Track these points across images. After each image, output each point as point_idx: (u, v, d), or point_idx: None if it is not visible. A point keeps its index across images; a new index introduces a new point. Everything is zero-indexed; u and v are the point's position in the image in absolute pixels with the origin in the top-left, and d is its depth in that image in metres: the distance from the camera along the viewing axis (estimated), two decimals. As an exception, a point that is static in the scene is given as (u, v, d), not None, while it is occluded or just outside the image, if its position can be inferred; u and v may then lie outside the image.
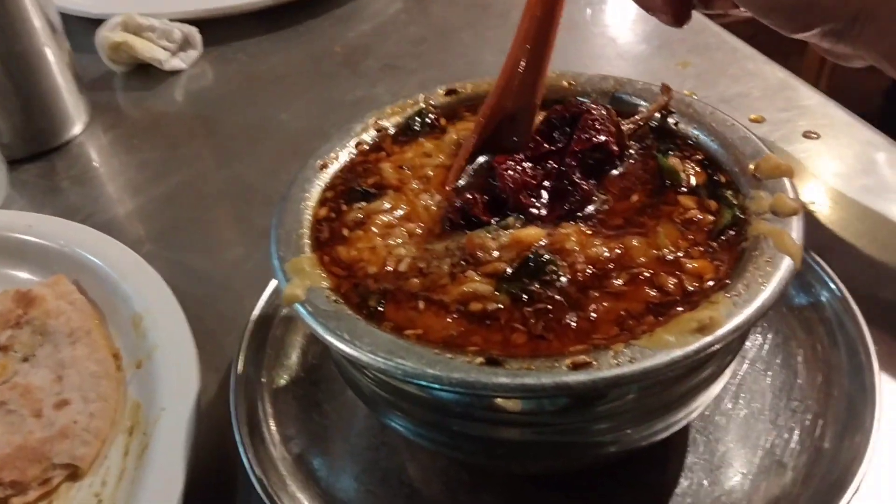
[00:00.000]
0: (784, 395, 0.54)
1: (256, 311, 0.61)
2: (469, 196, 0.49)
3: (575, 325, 0.41)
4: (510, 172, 0.49)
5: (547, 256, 0.44)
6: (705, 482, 0.50)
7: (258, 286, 0.65)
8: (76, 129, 0.94)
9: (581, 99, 0.53)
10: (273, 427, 0.54)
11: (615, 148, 0.51)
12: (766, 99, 0.87)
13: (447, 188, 0.52)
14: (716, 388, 0.46)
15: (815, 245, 0.64)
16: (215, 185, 0.86)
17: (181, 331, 0.59)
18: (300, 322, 0.62)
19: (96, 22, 1.04)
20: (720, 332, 0.38)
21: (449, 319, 0.43)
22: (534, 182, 0.49)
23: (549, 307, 0.42)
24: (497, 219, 0.48)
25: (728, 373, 0.46)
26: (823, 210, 0.71)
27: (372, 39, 1.10)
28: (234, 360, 0.57)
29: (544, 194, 0.49)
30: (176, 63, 1.04)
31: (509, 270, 0.44)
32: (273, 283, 0.63)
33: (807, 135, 0.81)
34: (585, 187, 0.48)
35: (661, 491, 0.50)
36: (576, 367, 0.38)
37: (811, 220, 0.69)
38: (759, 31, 0.98)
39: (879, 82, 1.91)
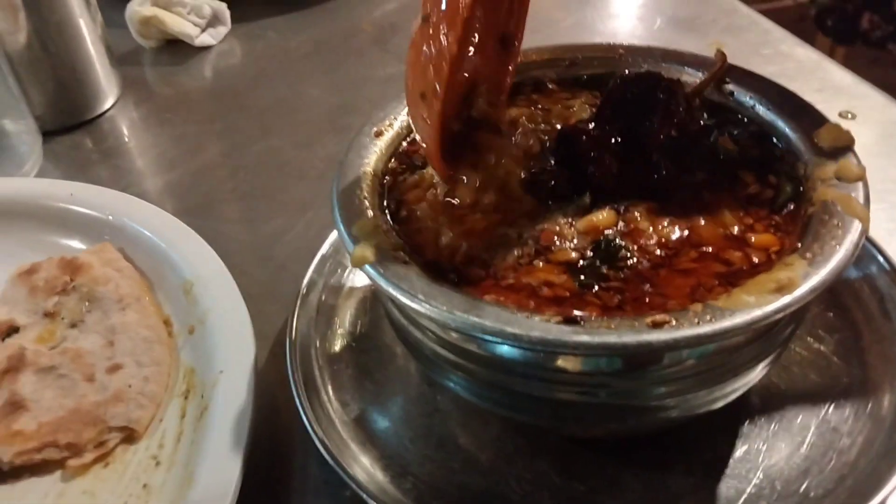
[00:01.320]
0: (838, 363, 0.54)
1: (306, 279, 0.61)
2: (553, 168, 0.49)
3: (648, 299, 0.42)
4: (588, 146, 0.49)
5: (618, 241, 0.45)
6: (763, 448, 0.50)
7: (300, 256, 0.65)
8: (108, 102, 0.94)
9: (656, 73, 0.52)
10: (330, 391, 0.54)
11: (687, 126, 0.51)
12: (801, 79, 0.87)
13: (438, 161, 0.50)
14: (777, 357, 0.46)
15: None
16: (249, 159, 0.86)
17: (233, 296, 0.59)
18: (348, 291, 0.63)
19: (127, -3, 1.04)
20: (799, 291, 0.39)
21: (519, 297, 0.43)
22: (609, 157, 0.49)
23: (622, 286, 0.43)
24: (573, 193, 0.48)
25: (788, 343, 0.46)
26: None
27: (399, 17, 1.10)
28: (288, 324, 0.57)
29: (620, 169, 0.49)
30: (205, 39, 1.04)
31: (581, 261, 0.45)
32: (321, 252, 0.63)
33: (843, 115, 0.81)
34: (663, 165, 0.48)
35: (718, 457, 0.50)
36: (656, 325, 0.38)
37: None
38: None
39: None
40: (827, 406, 0.52)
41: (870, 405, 0.52)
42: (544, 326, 0.39)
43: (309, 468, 0.53)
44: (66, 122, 0.91)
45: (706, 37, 0.97)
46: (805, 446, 0.50)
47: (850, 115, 0.81)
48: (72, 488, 0.52)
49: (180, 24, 1.02)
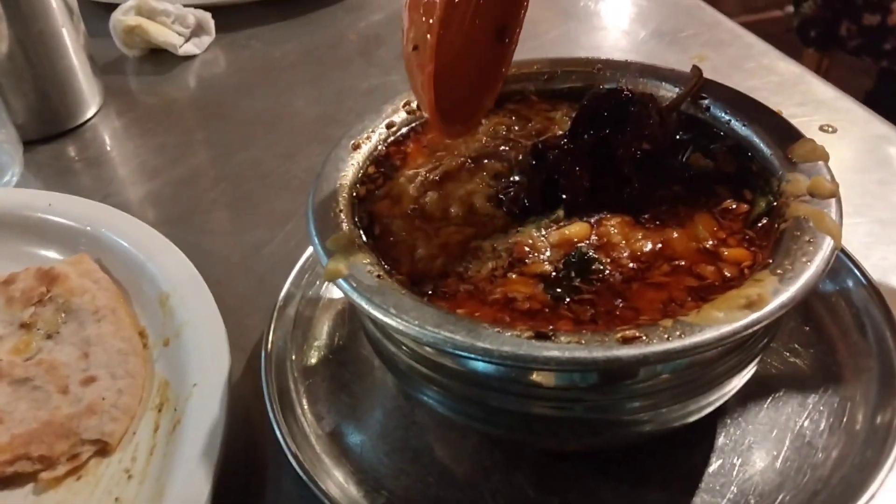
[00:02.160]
0: (812, 378, 0.54)
1: (283, 291, 0.60)
2: (523, 180, 0.49)
3: (620, 313, 0.42)
4: (560, 160, 0.49)
5: (591, 254, 0.45)
6: (737, 462, 0.50)
7: (279, 268, 0.65)
8: (90, 111, 0.94)
9: (622, 87, 0.53)
10: (304, 405, 0.54)
11: (661, 140, 0.51)
12: (783, 93, 0.88)
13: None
14: (751, 370, 0.46)
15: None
16: (231, 170, 0.86)
17: (209, 308, 0.59)
18: (325, 303, 0.62)
19: (111, 6, 1.04)
20: (768, 308, 0.39)
21: (491, 310, 0.43)
22: (583, 170, 0.49)
23: (594, 299, 0.43)
24: (546, 208, 0.48)
25: (761, 357, 0.47)
26: (842, 202, 0.72)
27: (385, 28, 1.10)
28: (264, 337, 0.57)
29: (593, 182, 0.49)
30: (189, 48, 1.04)
31: (554, 273, 0.45)
32: (299, 264, 0.63)
33: (823, 128, 0.82)
34: (636, 178, 0.48)
35: (693, 471, 0.50)
36: (625, 341, 0.38)
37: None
38: (754, 31, 1.00)
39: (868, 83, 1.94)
40: (801, 420, 0.52)
41: (844, 420, 0.52)
42: (515, 341, 0.39)
43: (282, 483, 0.52)
44: (48, 132, 0.91)
45: (689, 50, 0.98)
46: (779, 461, 0.50)
47: (830, 129, 0.82)
48: (44, 501, 0.51)
49: (164, 34, 1.02)
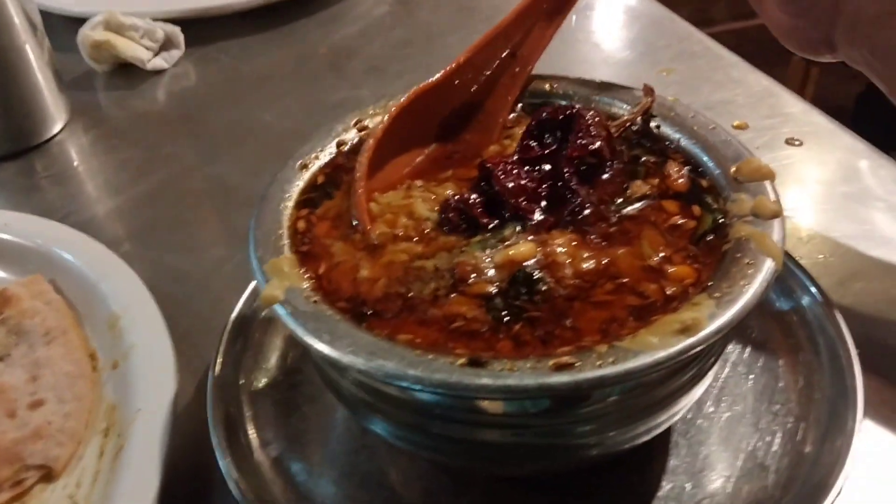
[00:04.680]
0: (766, 398, 0.53)
1: (235, 313, 0.60)
2: (467, 197, 0.48)
3: (559, 333, 0.41)
4: (507, 176, 0.48)
5: (536, 274, 0.44)
6: (688, 486, 0.50)
7: (237, 287, 0.64)
8: (56, 127, 0.93)
9: (573, 103, 0.53)
10: (251, 430, 0.53)
11: (607, 154, 0.51)
12: (750, 106, 0.87)
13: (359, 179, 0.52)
14: (698, 392, 0.46)
15: (795, 251, 0.65)
16: (196, 185, 0.86)
17: (158, 331, 0.58)
18: (279, 324, 0.62)
19: (78, 21, 1.03)
20: (703, 333, 0.38)
21: (431, 331, 0.43)
22: (531, 186, 0.49)
23: (534, 319, 0.42)
24: (494, 222, 0.48)
25: (710, 376, 0.46)
26: (806, 216, 0.71)
27: (357, 42, 1.09)
28: (211, 361, 0.56)
29: (540, 199, 0.49)
30: (158, 63, 1.03)
31: (497, 294, 0.44)
32: (252, 285, 0.62)
33: (790, 142, 0.81)
34: (582, 194, 0.48)
35: (644, 494, 0.50)
36: (559, 368, 0.38)
37: (792, 227, 0.69)
38: (743, 41, 0.99)
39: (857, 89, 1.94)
40: (753, 441, 0.51)
41: (798, 438, 0.51)
42: (448, 369, 0.38)
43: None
44: (13, 148, 0.90)
45: (659, 63, 0.97)
46: (731, 481, 0.50)
47: (797, 142, 0.81)
48: (-15, 529, 0.51)
49: (132, 49, 1.01)
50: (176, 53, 1.05)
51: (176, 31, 1.05)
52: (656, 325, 0.39)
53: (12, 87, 0.88)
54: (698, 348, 0.38)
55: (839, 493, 0.46)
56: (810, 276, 0.58)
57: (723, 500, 0.49)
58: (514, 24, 0.58)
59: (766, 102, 0.88)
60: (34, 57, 0.88)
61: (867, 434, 0.49)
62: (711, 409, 0.53)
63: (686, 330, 0.38)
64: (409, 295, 0.45)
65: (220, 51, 1.09)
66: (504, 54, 0.59)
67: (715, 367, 0.46)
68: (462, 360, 0.39)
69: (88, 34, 1.00)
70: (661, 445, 0.51)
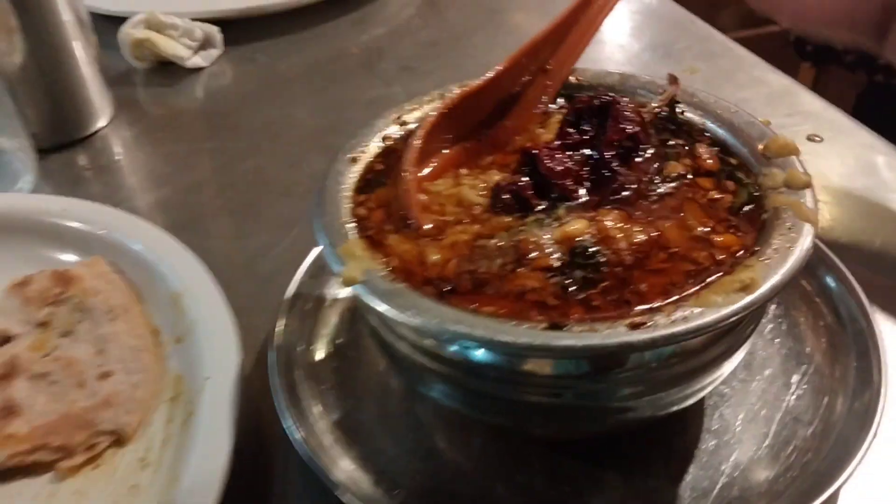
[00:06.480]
0: (793, 360, 0.58)
1: (291, 291, 0.63)
2: (517, 179, 0.52)
3: (626, 297, 0.45)
4: (552, 160, 0.52)
5: (593, 247, 0.47)
6: (731, 441, 0.53)
7: (285, 270, 0.67)
8: (101, 121, 0.97)
9: (608, 94, 0.56)
10: (310, 397, 0.57)
11: (641, 137, 0.54)
12: (771, 104, 0.91)
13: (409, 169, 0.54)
14: (740, 355, 0.49)
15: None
16: (236, 178, 0.89)
17: (219, 307, 0.61)
18: (332, 301, 0.65)
19: (119, 20, 1.07)
20: (762, 290, 0.42)
21: (507, 302, 0.45)
22: (574, 169, 0.52)
23: (600, 286, 0.46)
24: (544, 204, 0.51)
25: (749, 343, 0.50)
26: (828, 208, 0.75)
27: (387, 42, 1.13)
28: (270, 333, 0.59)
29: (583, 181, 0.52)
30: (197, 61, 1.07)
31: (560, 266, 0.47)
32: (304, 266, 0.65)
33: (810, 138, 0.85)
34: (623, 174, 0.51)
35: (685, 452, 0.53)
36: (634, 327, 0.41)
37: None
38: (751, 49, 1.03)
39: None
40: (786, 398, 0.56)
41: (828, 395, 0.56)
42: (531, 333, 0.42)
43: (290, 472, 0.55)
44: (61, 140, 0.94)
45: (682, 63, 1.01)
46: (769, 437, 0.54)
47: (818, 139, 0.85)
48: (63, 489, 0.54)
49: (172, 47, 1.05)
50: (214, 52, 1.09)
51: (214, 31, 1.09)
52: (717, 286, 0.43)
53: (62, 80, 0.91)
54: (759, 304, 0.42)
55: (874, 437, 0.50)
56: (827, 253, 0.62)
57: (765, 453, 0.53)
58: (550, 35, 0.62)
59: (787, 101, 0.92)
60: (82, 52, 0.92)
61: (892, 386, 0.54)
62: (743, 374, 0.58)
63: (745, 288, 0.42)
64: (481, 271, 0.48)
65: (256, 51, 1.13)
66: (538, 64, 0.62)
67: (753, 336, 0.50)
68: (544, 325, 0.42)
69: (130, 32, 1.04)
70: (699, 408, 0.56)
